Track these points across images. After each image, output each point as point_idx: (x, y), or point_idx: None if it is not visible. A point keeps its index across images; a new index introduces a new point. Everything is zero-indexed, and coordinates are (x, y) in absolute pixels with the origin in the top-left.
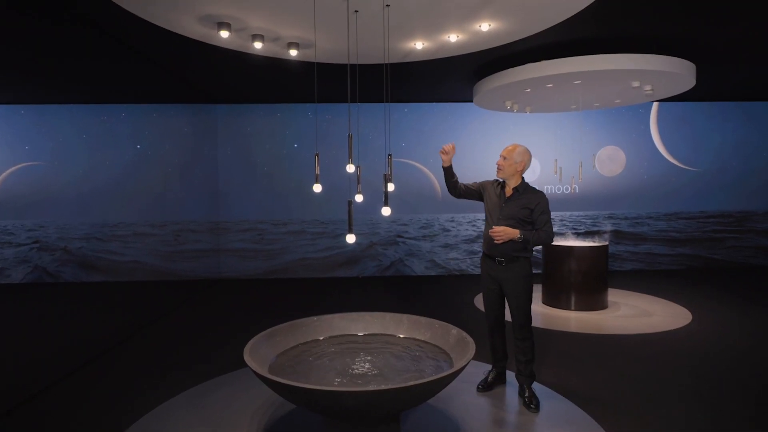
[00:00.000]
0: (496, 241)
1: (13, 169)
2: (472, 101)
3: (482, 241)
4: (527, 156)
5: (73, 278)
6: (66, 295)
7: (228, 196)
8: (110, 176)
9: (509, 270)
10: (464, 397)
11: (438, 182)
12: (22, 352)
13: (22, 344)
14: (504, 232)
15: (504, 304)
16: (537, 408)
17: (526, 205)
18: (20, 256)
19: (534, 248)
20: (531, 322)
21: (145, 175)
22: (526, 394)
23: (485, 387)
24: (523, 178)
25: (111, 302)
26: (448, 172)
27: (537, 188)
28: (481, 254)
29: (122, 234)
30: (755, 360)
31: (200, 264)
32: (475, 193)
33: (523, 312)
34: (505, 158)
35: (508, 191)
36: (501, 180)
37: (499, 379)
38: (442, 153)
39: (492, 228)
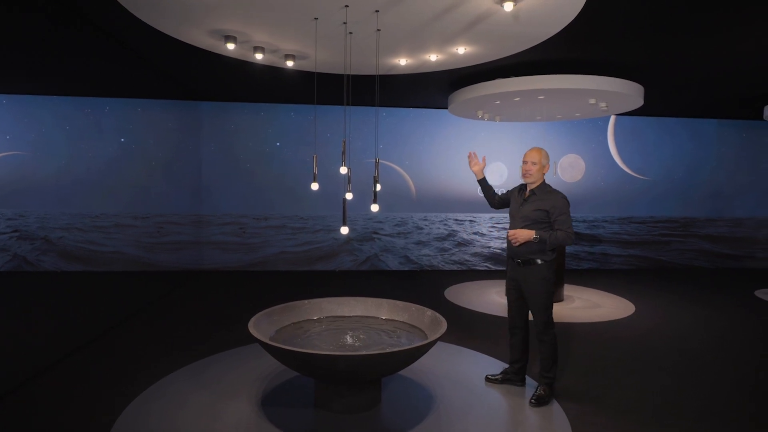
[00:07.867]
0: (513, 244)
1: None
2: (446, 108)
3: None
4: (548, 158)
5: (54, 267)
6: (46, 283)
7: (211, 190)
8: (92, 168)
9: (527, 271)
10: (437, 371)
11: (413, 182)
12: (9, 339)
13: (8, 331)
14: (519, 235)
15: (523, 305)
16: (535, 404)
17: (540, 207)
18: None
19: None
20: (551, 326)
21: (129, 168)
22: (536, 392)
23: (493, 379)
24: (544, 180)
25: (94, 291)
26: (483, 185)
27: (557, 190)
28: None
29: (104, 225)
30: (687, 345)
31: (182, 255)
32: (507, 201)
33: (542, 312)
34: (534, 163)
35: (527, 193)
36: (525, 184)
37: (513, 378)
38: (472, 164)
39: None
